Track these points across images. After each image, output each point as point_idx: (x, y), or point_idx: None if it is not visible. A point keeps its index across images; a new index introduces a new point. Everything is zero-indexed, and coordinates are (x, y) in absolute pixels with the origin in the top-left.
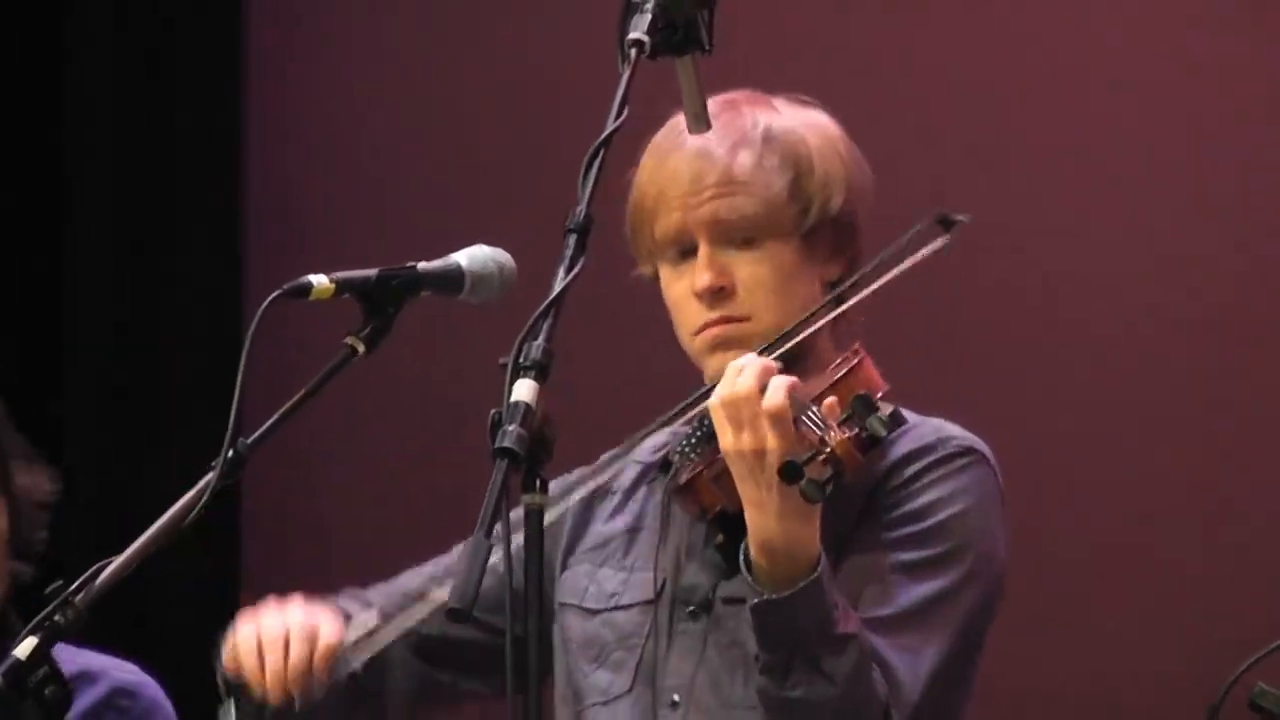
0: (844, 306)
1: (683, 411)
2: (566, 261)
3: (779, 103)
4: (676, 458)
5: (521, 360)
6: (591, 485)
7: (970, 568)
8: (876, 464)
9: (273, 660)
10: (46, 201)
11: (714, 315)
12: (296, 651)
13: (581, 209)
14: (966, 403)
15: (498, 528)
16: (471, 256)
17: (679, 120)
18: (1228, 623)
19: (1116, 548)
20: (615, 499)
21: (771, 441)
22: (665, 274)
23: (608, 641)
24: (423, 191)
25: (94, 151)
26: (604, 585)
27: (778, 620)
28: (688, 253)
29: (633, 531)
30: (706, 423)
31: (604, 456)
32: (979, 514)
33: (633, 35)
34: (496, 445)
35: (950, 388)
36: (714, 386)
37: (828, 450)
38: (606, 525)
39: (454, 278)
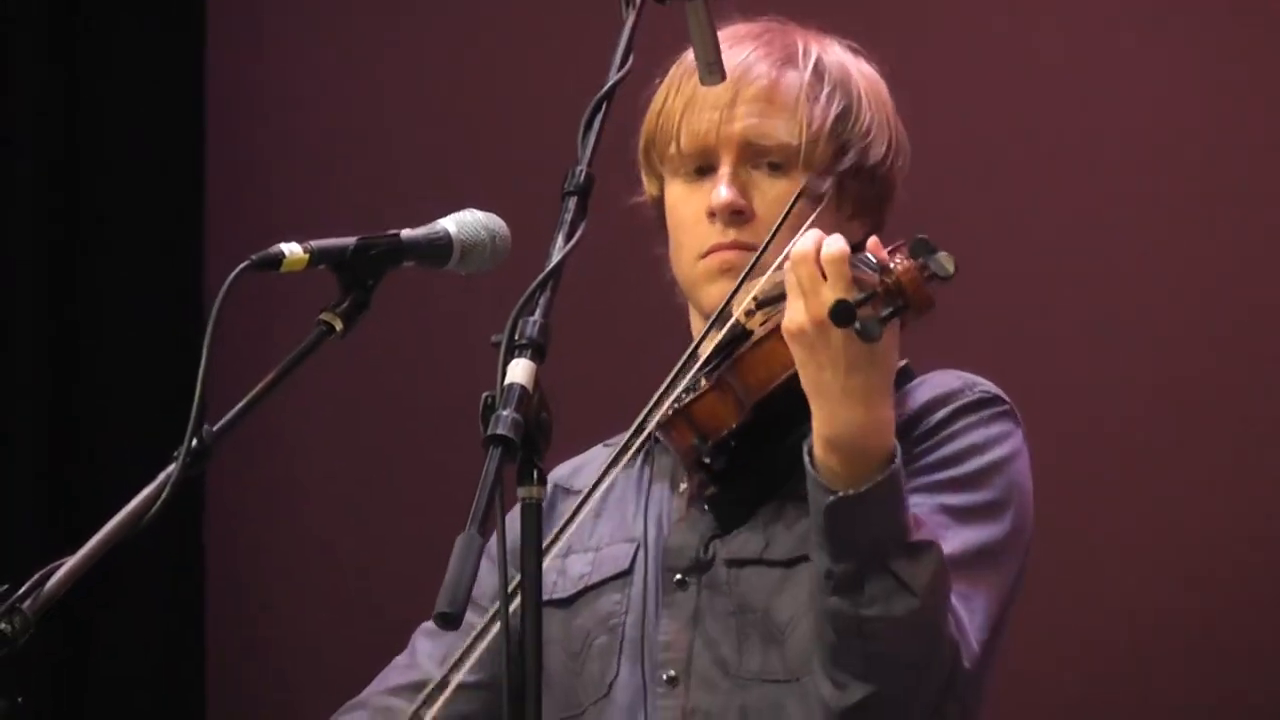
0: None
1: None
2: (566, 228)
3: (830, 41)
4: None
5: (516, 338)
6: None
7: (1013, 526)
8: (899, 411)
9: None
10: None
11: (726, 239)
12: None
13: (581, 169)
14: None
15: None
16: (460, 223)
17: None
18: None
19: (1184, 552)
20: (581, 495)
21: (830, 298)
22: (676, 191)
23: (588, 630)
24: (403, 153)
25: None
26: (570, 571)
27: (850, 522)
28: (706, 170)
29: (597, 515)
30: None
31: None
32: (1015, 469)
33: None
34: (489, 432)
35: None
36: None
37: (890, 280)
38: (572, 518)
39: (441, 246)
